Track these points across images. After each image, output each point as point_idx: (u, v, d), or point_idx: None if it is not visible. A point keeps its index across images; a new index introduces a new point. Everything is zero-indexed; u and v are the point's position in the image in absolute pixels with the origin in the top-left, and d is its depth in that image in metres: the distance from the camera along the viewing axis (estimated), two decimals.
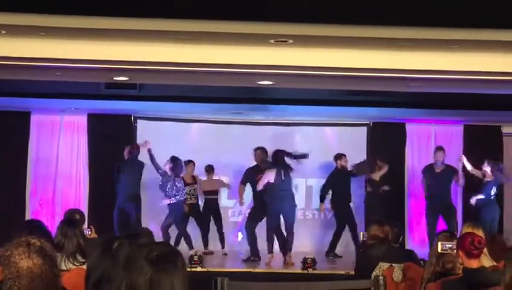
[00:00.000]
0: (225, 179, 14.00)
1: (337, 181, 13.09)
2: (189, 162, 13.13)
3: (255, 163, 12.91)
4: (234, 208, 14.19)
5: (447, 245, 5.59)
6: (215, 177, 13.63)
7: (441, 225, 12.80)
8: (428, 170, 13.19)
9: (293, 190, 12.21)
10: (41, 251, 3.52)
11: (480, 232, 6.27)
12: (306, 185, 14.23)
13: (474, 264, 5.32)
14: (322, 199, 13.14)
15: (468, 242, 5.32)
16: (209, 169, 13.48)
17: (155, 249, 2.18)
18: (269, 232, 11.80)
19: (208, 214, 13.24)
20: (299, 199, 14.10)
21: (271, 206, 11.73)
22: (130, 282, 2.10)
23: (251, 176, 12.31)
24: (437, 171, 13.00)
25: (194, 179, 13.22)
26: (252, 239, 12.05)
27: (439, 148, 13.26)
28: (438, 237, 6.25)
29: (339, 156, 13.25)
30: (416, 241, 13.83)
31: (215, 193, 13.49)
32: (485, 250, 5.61)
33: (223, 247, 13.21)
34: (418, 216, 14.16)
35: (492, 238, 6.38)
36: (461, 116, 13.74)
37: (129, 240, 2.19)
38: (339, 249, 12.97)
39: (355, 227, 12.73)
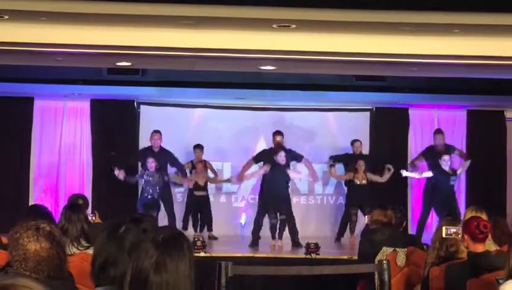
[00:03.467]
0: (227, 164, 13.99)
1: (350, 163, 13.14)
2: (198, 146, 13.14)
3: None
4: (237, 193, 14.20)
5: (451, 230, 5.60)
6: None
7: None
8: (430, 151, 13.15)
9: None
10: (49, 235, 3.54)
11: (483, 216, 6.29)
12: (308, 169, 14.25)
13: (479, 248, 5.32)
14: (333, 162, 13.22)
15: (474, 226, 5.33)
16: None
17: (161, 232, 2.19)
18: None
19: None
20: (303, 184, 14.13)
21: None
22: (136, 265, 2.11)
23: (268, 156, 12.25)
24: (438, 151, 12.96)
25: (204, 163, 13.19)
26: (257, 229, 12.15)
27: (438, 131, 13.23)
28: (442, 221, 6.26)
29: (353, 141, 13.28)
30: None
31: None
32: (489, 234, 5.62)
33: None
34: (420, 201, 14.15)
35: (495, 222, 6.39)
36: (464, 101, 13.72)
37: (133, 224, 2.19)
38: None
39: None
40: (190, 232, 12.45)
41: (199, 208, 13.02)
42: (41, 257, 3.49)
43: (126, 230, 2.18)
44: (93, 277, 2.16)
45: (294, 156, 12.35)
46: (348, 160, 13.26)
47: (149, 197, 12.21)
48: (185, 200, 13.29)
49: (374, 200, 11.51)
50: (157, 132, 12.68)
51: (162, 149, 12.65)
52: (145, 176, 12.32)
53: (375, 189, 12.71)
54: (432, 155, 13.03)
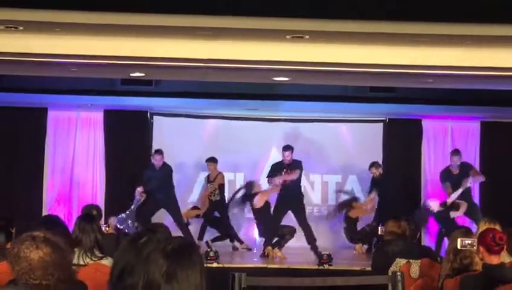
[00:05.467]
0: (239, 175, 14.00)
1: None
2: (211, 159, 13.16)
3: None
4: None
5: (466, 241, 5.56)
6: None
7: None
8: (446, 173, 13.03)
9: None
10: (46, 240, 3.56)
11: (497, 227, 6.26)
12: (322, 181, 14.20)
13: (494, 260, 5.29)
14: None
15: (490, 238, 5.30)
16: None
17: (170, 242, 2.19)
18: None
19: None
20: (315, 195, 14.11)
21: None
22: (147, 276, 2.10)
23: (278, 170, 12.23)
24: (455, 173, 12.85)
25: (218, 176, 13.20)
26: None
27: (456, 152, 13.05)
28: (454, 233, 6.23)
29: (371, 165, 13.24)
30: (432, 238, 13.76)
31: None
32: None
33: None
34: None
35: (509, 234, 6.35)
36: (478, 113, 13.67)
37: (148, 235, 2.19)
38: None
39: None
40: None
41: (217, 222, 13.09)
42: (46, 262, 3.50)
43: (147, 241, 2.17)
44: (111, 285, 2.15)
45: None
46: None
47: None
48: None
49: (388, 213, 11.47)
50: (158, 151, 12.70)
51: (164, 165, 12.65)
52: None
53: (389, 202, 12.65)
54: (451, 178, 12.92)
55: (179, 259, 2.15)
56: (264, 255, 11.71)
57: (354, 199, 13.32)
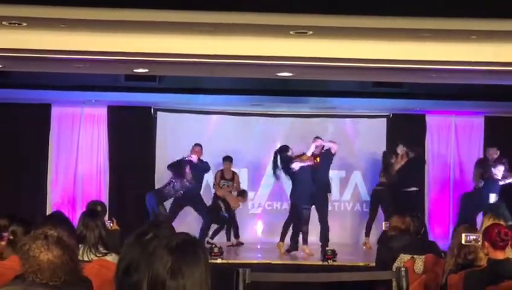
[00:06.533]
0: (243, 170, 14.02)
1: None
2: (227, 158, 13.22)
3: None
4: (254, 200, 14.20)
5: (471, 237, 5.57)
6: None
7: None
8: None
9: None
10: (59, 241, 3.54)
11: (501, 222, 6.26)
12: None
13: (500, 255, 5.30)
14: None
15: (495, 233, 5.31)
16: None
17: (175, 238, 2.18)
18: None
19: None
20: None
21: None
22: (152, 273, 2.10)
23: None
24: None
25: (233, 174, 13.28)
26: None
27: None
28: (458, 229, 6.23)
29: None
30: (436, 233, 13.77)
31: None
32: None
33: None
34: (438, 208, 14.10)
35: None
36: (482, 108, 13.65)
37: (153, 231, 2.20)
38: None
39: None
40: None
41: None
42: (55, 264, 3.49)
43: (153, 237, 2.18)
44: (117, 280, 2.16)
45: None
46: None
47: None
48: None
49: (393, 208, 11.48)
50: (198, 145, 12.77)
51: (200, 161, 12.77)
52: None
53: (394, 196, 12.65)
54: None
55: (184, 255, 2.15)
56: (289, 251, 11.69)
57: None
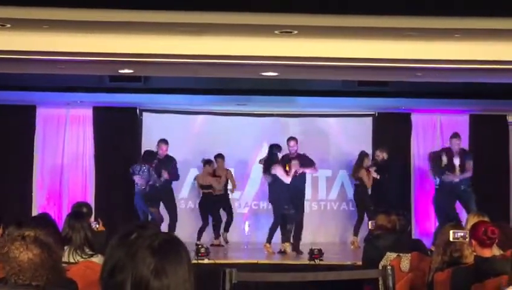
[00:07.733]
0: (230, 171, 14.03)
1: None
2: (220, 155, 13.28)
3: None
4: (240, 200, 14.20)
5: (458, 233, 5.56)
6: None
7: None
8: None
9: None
10: (37, 240, 3.54)
11: (486, 219, 6.29)
12: (312, 176, 14.21)
13: (486, 253, 5.33)
14: None
15: (482, 232, 5.32)
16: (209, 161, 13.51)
17: (156, 238, 2.18)
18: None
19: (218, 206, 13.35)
20: (306, 190, 14.10)
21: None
22: (136, 274, 2.10)
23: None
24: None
25: (225, 172, 13.36)
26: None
27: (455, 135, 13.07)
28: (445, 227, 6.24)
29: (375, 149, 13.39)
30: (422, 231, 13.81)
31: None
32: None
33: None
34: (424, 206, 14.14)
35: (499, 227, 6.37)
36: (467, 106, 13.71)
37: (138, 231, 2.19)
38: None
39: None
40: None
41: (220, 206, 13.21)
42: (36, 264, 3.49)
43: (137, 238, 2.17)
44: (102, 281, 2.15)
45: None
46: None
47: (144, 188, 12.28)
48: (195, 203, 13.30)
49: (378, 206, 11.49)
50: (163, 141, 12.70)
51: (167, 156, 12.69)
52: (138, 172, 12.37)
53: (380, 195, 12.69)
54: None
55: (167, 254, 2.15)
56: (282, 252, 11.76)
57: None
